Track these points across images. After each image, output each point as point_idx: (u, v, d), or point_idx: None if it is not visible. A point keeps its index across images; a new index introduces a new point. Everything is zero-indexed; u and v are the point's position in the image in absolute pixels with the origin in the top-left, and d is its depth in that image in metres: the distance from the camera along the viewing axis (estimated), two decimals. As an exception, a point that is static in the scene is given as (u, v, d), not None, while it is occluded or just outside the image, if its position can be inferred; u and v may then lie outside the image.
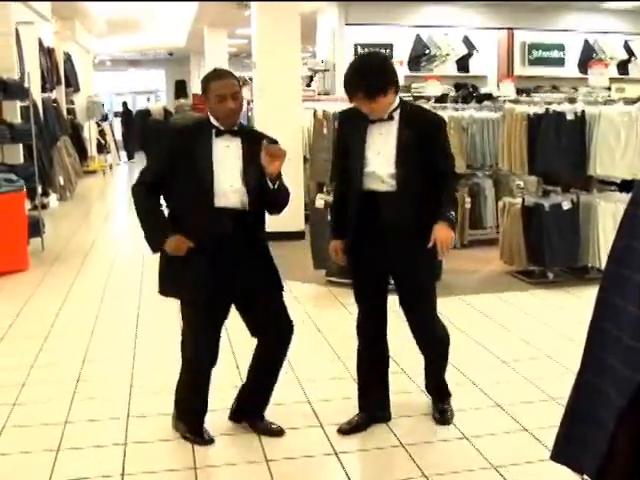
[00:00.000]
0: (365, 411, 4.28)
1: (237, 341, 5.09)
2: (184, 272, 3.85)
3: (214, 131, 3.84)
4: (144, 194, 3.92)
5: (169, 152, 3.90)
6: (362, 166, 3.93)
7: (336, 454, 3.96)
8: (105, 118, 21.70)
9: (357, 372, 4.36)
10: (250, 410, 4.22)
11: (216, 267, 3.81)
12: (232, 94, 3.77)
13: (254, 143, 3.82)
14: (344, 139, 4.14)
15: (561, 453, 2.20)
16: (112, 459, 3.92)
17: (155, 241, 3.89)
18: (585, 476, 2.17)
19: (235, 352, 5.29)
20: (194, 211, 3.83)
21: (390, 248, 3.97)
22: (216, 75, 3.86)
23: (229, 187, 3.79)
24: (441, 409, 4.34)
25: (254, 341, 4.11)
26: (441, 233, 3.83)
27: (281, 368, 4.16)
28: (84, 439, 4.16)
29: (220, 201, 3.78)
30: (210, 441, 4.07)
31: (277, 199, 3.91)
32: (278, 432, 4.14)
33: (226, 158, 3.82)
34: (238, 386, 4.36)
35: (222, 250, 3.81)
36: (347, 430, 4.17)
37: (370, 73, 3.84)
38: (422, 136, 3.89)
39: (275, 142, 3.83)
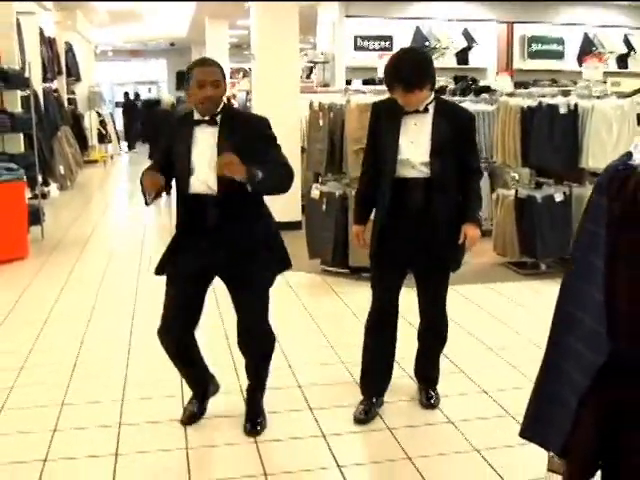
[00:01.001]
0: (370, 398, 4.37)
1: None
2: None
3: (193, 120, 3.92)
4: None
5: (163, 142, 4.05)
6: (396, 154, 4.09)
7: (324, 436, 4.07)
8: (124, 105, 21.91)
9: (363, 358, 4.41)
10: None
11: (191, 249, 3.93)
12: (212, 81, 3.80)
13: (234, 131, 3.85)
14: (378, 128, 4.26)
15: (529, 430, 2.31)
16: (106, 440, 4.04)
17: (143, 192, 3.95)
18: (552, 453, 2.27)
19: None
20: (179, 197, 3.96)
21: (417, 233, 4.11)
22: (199, 62, 3.95)
23: (204, 175, 3.85)
24: (429, 395, 4.47)
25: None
26: (471, 232, 4.10)
27: (263, 374, 4.25)
28: (81, 420, 4.28)
29: (196, 188, 3.87)
30: (186, 422, 4.21)
31: (264, 192, 3.94)
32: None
33: (203, 147, 3.87)
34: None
35: (201, 235, 3.91)
36: (364, 419, 4.26)
37: (410, 68, 3.98)
38: (455, 129, 4.09)
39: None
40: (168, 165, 3.96)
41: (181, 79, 30.08)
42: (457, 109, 4.31)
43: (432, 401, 4.43)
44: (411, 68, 3.98)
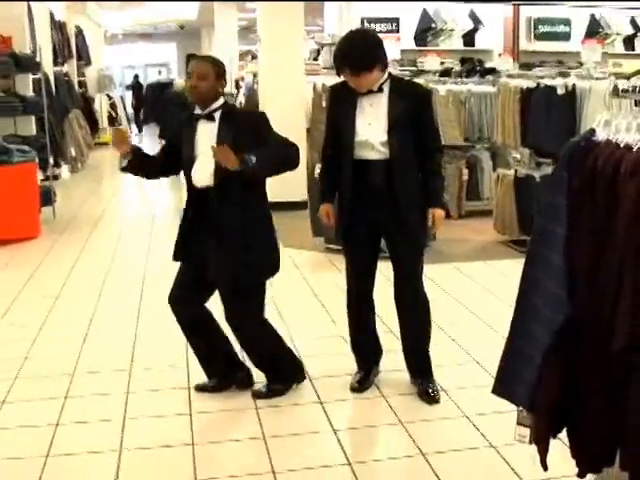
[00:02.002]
0: (362, 369, 4.51)
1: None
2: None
3: (195, 115, 4.15)
4: None
5: (169, 131, 4.34)
6: (353, 135, 4.11)
7: (321, 403, 4.28)
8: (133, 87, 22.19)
9: (349, 334, 4.58)
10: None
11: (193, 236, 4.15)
12: (199, 73, 4.02)
13: (231, 128, 4.02)
14: (335, 111, 4.32)
15: (500, 388, 2.51)
16: (115, 406, 4.27)
17: None
18: (520, 407, 2.47)
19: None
20: (187, 186, 4.22)
21: (381, 214, 4.17)
22: (196, 56, 4.29)
23: (203, 169, 4.04)
24: (425, 388, 4.36)
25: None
26: (436, 215, 4.18)
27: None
28: (89, 388, 4.51)
29: (197, 181, 4.09)
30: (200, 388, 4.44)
31: (267, 174, 4.10)
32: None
33: (204, 142, 4.04)
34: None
35: (200, 223, 4.12)
36: (358, 388, 4.42)
37: (356, 51, 4.04)
38: (411, 107, 4.09)
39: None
40: (172, 153, 4.21)
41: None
42: (413, 86, 4.35)
43: (432, 395, 4.32)
44: (358, 51, 4.02)
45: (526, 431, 2.45)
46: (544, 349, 2.30)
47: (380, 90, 4.12)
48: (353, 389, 4.43)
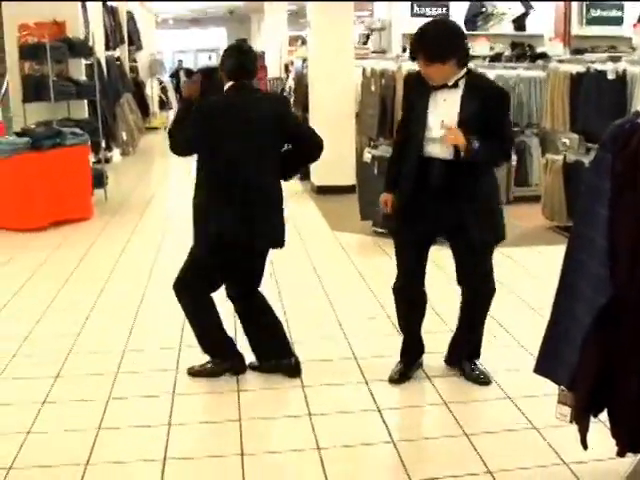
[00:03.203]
0: (404, 361, 4.46)
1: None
2: None
3: None
4: None
5: None
6: (423, 130, 3.99)
7: (366, 382, 4.35)
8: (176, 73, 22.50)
9: (399, 323, 4.53)
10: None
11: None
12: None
13: None
14: (410, 101, 4.21)
15: (542, 367, 2.55)
16: (164, 382, 4.39)
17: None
18: (562, 387, 2.50)
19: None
20: None
21: (443, 213, 4.04)
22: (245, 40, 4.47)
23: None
24: (476, 372, 4.37)
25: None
26: (455, 132, 3.89)
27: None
28: (140, 365, 4.64)
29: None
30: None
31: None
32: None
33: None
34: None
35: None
36: (398, 380, 4.37)
37: (434, 38, 3.91)
38: (485, 107, 3.93)
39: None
40: None
41: (241, 47, 30.42)
42: (489, 85, 4.18)
43: (481, 377, 4.34)
44: (435, 39, 3.90)
45: (567, 410, 2.49)
46: (585, 329, 2.33)
47: (455, 85, 3.96)
48: (391, 380, 4.38)
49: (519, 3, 14.68)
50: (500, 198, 4.22)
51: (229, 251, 4.23)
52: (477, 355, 4.45)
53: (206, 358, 4.50)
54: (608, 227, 2.26)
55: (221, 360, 4.48)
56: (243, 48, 4.38)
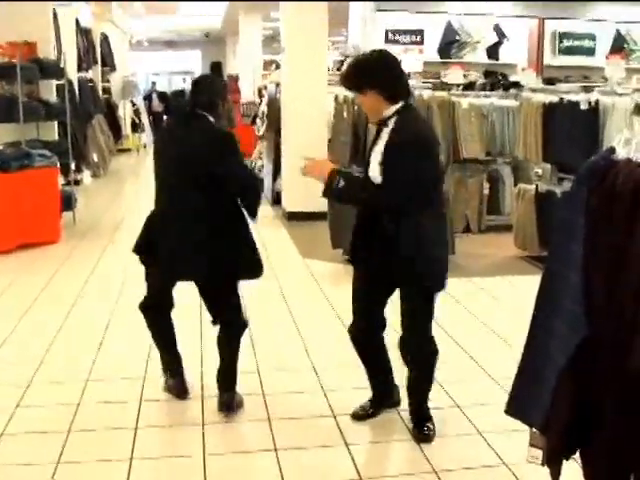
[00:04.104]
0: (373, 397, 4.31)
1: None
2: None
3: None
4: None
5: None
6: (367, 167, 3.86)
7: (334, 417, 4.25)
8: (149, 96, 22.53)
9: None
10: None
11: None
12: None
13: None
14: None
15: (513, 408, 2.47)
16: (127, 413, 4.26)
17: None
18: (534, 429, 2.43)
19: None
20: None
21: (377, 253, 3.84)
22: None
23: None
24: (420, 433, 4.05)
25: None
26: (322, 164, 3.84)
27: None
28: (104, 395, 4.50)
29: None
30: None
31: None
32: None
33: None
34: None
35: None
36: (359, 416, 4.23)
37: (350, 66, 3.95)
38: (394, 151, 3.70)
39: None
40: None
41: (215, 69, 30.41)
42: (405, 128, 3.72)
43: (426, 433, 4.03)
44: (352, 66, 3.89)
45: (539, 452, 2.41)
46: (559, 369, 2.26)
47: (386, 124, 3.78)
48: (354, 416, 4.23)
49: (493, 32, 14.79)
50: (435, 246, 3.82)
51: None
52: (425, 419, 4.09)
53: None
54: (582, 263, 2.19)
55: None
56: (197, 78, 4.47)
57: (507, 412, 2.49)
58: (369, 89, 3.73)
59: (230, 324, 4.28)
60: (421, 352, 3.97)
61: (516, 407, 2.45)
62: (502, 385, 4.61)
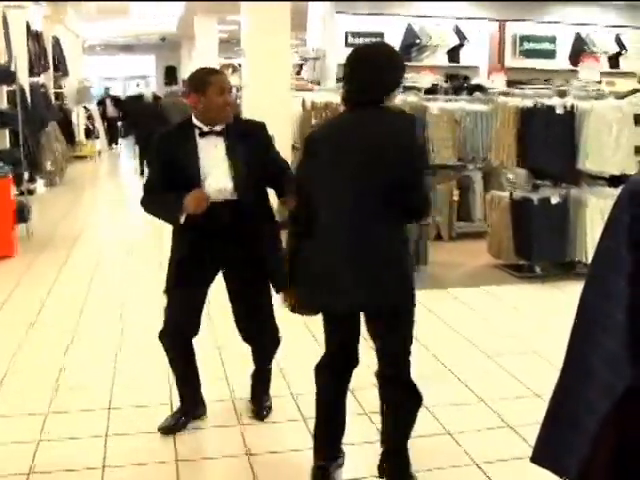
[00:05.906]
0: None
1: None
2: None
3: (197, 132, 3.85)
4: (149, 199, 3.97)
5: (157, 161, 3.95)
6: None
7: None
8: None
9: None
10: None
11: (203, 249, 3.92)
12: (229, 89, 3.87)
13: (239, 138, 3.86)
14: None
15: (542, 455, 2.18)
16: (93, 449, 3.92)
17: (174, 211, 3.80)
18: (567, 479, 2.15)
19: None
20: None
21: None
22: (214, 71, 3.97)
23: (218, 186, 3.81)
24: None
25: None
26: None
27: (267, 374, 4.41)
28: (70, 429, 4.16)
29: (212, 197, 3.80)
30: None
31: None
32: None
33: (211, 158, 3.83)
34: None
35: (215, 236, 3.89)
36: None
37: None
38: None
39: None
40: (170, 181, 3.85)
41: (169, 74, 30.01)
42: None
43: None
44: None
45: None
46: (601, 416, 1.98)
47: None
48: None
49: (454, 35, 14.64)
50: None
51: None
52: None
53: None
54: (629, 299, 1.91)
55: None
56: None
57: (534, 460, 2.20)
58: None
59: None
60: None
61: (545, 455, 2.16)
62: (482, 397, 4.38)
